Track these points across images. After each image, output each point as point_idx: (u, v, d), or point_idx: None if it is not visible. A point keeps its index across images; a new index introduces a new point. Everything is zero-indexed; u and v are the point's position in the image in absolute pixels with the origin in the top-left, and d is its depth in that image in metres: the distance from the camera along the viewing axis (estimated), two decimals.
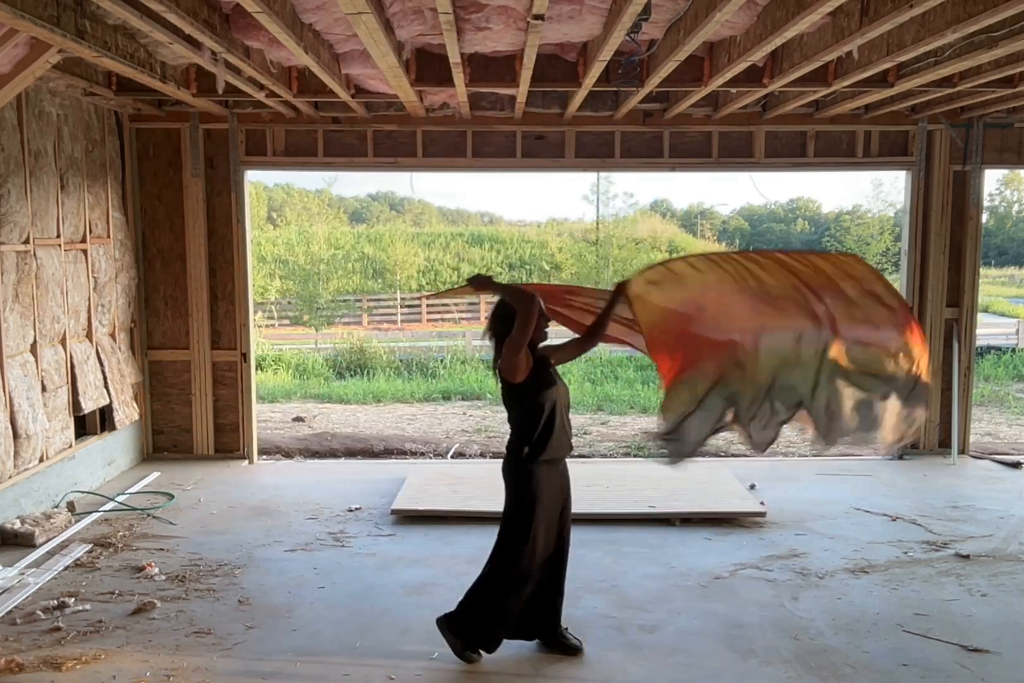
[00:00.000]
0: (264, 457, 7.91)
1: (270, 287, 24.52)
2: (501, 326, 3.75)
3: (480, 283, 3.86)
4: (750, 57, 4.87)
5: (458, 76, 5.45)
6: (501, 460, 3.90)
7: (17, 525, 5.40)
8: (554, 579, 3.94)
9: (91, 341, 6.51)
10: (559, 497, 3.88)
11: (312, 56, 4.80)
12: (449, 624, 3.91)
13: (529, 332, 3.61)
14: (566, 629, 4.04)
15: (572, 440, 3.96)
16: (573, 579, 4.16)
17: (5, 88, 4.64)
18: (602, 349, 17.19)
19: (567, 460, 3.96)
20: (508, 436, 3.90)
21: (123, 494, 6.45)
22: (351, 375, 15.01)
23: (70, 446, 6.23)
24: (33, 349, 5.73)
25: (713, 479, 6.65)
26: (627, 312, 3.95)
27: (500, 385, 3.83)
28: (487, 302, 27.90)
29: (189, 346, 7.40)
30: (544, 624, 3.98)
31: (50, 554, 5.21)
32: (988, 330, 18.19)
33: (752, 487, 6.66)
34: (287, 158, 7.33)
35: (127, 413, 6.91)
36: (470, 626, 3.89)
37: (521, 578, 3.80)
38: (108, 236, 6.79)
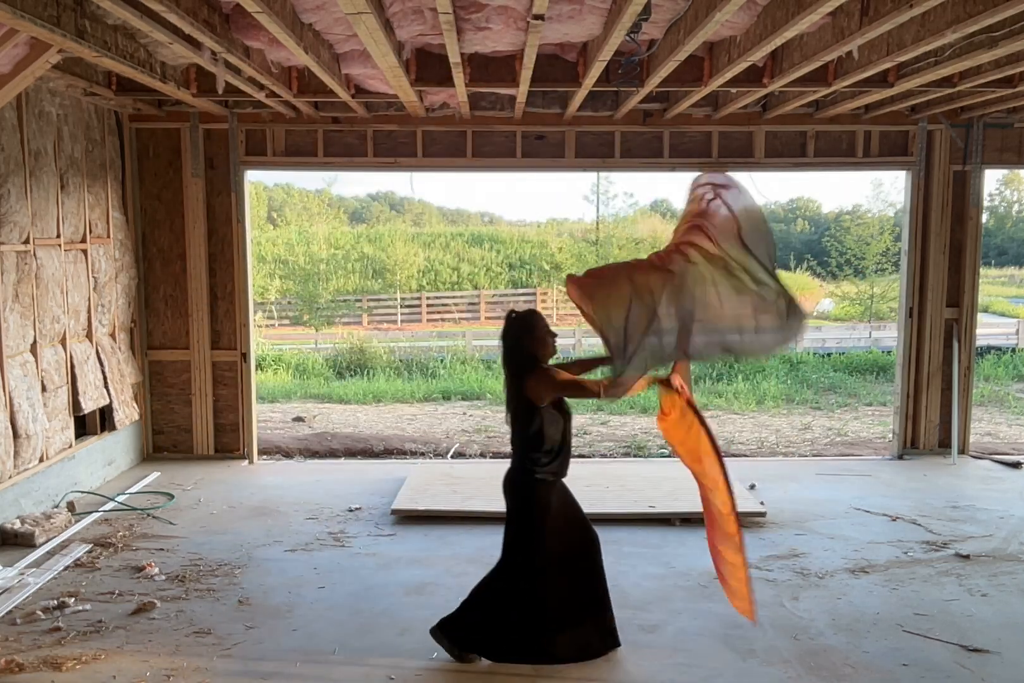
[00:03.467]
0: (264, 457, 7.91)
1: (270, 287, 24.54)
2: (512, 355, 3.86)
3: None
4: (750, 57, 4.87)
5: (458, 76, 5.45)
6: (501, 460, 3.90)
7: (17, 525, 5.40)
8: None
9: (91, 341, 6.51)
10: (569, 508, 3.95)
11: (312, 56, 4.80)
12: (442, 627, 3.91)
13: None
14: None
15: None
16: None
17: (5, 88, 4.64)
18: (601, 348, 17.15)
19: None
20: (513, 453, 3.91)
21: (123, 494, 6.45)
22: (351, 375, 15.00)
23: (70, 446, 6.23)
24: (33, 349, 5.73)
25: None
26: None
27: (516, 406, 3.81)
28: (487, 302, 27.92)
29: (189, 346, 7.40)
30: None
31: (50, 554, 5.21)
32: (988, 330, 18.19)
33: (752, 487, 6.66)
34: (287, 158, 7.33)
35: (127, 413, 6.91)
36: (471, 628, 3.89)
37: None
38: (108, 236, 6.79)
